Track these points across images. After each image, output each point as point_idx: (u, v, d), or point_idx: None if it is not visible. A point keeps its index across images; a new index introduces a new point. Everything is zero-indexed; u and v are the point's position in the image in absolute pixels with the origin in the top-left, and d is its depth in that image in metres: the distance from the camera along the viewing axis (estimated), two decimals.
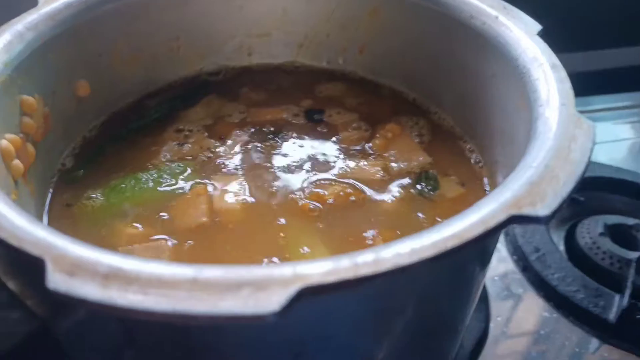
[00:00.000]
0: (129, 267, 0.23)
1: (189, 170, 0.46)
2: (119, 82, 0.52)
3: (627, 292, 0.55)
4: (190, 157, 0.48)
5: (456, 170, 0.47)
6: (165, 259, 0.38)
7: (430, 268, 0.24)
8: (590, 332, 0.54)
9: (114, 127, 0.51)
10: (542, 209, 0.26)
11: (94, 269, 0.23)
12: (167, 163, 0.47)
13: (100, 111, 0.51)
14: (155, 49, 0.53)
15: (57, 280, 0.22)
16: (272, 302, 0.21)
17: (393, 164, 0.47)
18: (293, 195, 0.44)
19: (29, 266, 0.24)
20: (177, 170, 0.46)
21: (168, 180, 0.45)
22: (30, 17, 0.42)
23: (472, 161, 0.49)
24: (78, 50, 0.46)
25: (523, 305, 0.58)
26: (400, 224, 0.41)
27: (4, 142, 0.36)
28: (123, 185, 0.45)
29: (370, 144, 0.49)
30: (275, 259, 0.38)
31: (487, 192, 0.45)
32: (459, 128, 0.51)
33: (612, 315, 0.54)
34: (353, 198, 0.43)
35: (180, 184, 0.45)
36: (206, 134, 0.50)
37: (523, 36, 0.42)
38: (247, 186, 0.45)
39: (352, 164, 0.47)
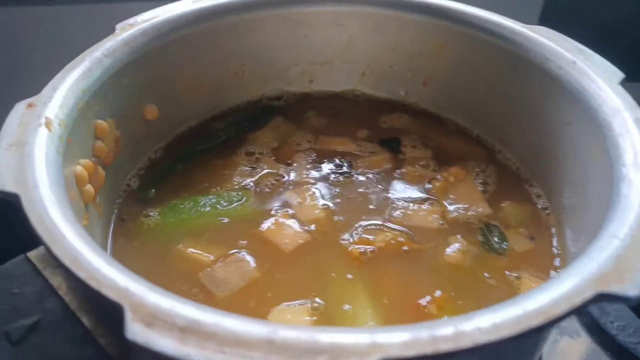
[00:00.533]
0: (207, 320, 0.23)
1: (244, 199, 0.46)
2: (184, 106, 0.53)
3: None
4: (258, 184, 0.48)
5: (521, 218, 0.45)
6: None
7: (510, 344, 0.23)
8: None
9: (182, 148, 0.52)
10: (632, 288, 0.24)
11: (172, 321, 0.23)
12: (227, 190, 0.47)
13: (165, 133, 0.52)
14: (220, 75, 0.54)
15: (135, 331, 0.23)
16: None
17: (451, 210, 0.46)
18: (343, 239, 0.43)
19: (105, 308, 0.24)
20: (235, 198, 0.47)
21: (224, 206, 0.46)
22: (108, 44, 0.44)
23: (539, 207, 0.47)
24: (149, 76, 0.47)
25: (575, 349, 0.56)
26: (461, 281, 0.40)
27: (79, 168, 0.38)
28: (182, 206, 0.46)
29: (430, 185, 0.48)
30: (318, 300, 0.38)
31: (555, 247, 0.43)
32: (526, 170, 0.50)
33: None
34: (406, 248, 0.42)
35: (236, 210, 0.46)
36: (273, 157, 0.51)
37: (604, 85, 0.40)
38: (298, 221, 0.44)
39: (408, 206, 0.46)
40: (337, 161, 0.51)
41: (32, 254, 0.32)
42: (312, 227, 0.44)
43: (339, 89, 0.59)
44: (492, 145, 0.53)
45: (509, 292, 0.40)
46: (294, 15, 0.54)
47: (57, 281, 0.30)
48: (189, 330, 0.23)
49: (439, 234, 0.43)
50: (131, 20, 0.47)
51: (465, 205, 0.46)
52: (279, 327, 0.23)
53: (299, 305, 0.38)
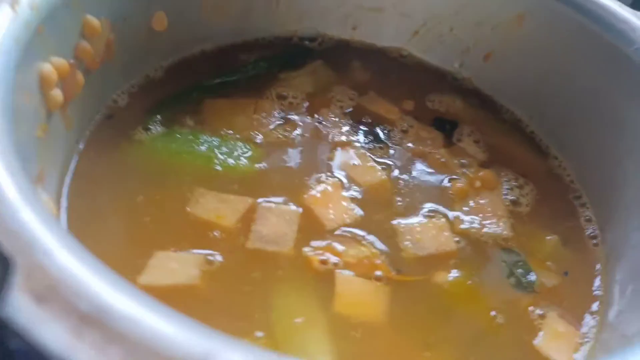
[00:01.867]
0: (119, 313, 0.16)
1: (249, 153, 0.39)
2: (201, 25, 0.45)
3: None
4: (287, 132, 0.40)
5: (554, 247, 0.37)
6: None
7: None
8: None
9: (191, 73, 0.44)
10: None
11: (74, 301, 0.16)
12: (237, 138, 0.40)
13: (172, 51, 0.44)
14: None
15: (19, 304, 0.16)
16: None
17: (465, 221, 0.37)
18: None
19: None
20: (239, 150, 0.39)
21: (223, 156, 0.38)
22: None
23: (587, 234, 0.39)
24: None
25: None
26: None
27: (47, 67, 0.30)
28: (178, 136, 0.39)
29: (450, 184, 0.40)
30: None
31: (596, 288, 0.36)
32: (581, 186, 0.41)
33: None
34: (379, 273, 0.33)
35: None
36: (307, 104, 0.43)
37: None
38: None
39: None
40: (377, 128, 0.43)
41: None
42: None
43: (384, 43, 0.50)
44: (547, 147, 0.44)
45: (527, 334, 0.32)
46: None
47: None
48: (91, 321, 0.16)
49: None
50: None
51: (482, 217, 0.37)
52: (224, 345, 0.16)
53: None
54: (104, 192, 0.35)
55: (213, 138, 0.39)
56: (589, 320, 0.34)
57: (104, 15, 0.36)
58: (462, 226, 0.37)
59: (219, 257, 0.32)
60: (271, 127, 0.41)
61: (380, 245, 0.34)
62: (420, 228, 0.36)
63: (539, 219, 0.39)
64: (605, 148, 0.40)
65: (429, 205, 0.38)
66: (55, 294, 0.16)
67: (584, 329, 0.33)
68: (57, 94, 0.31)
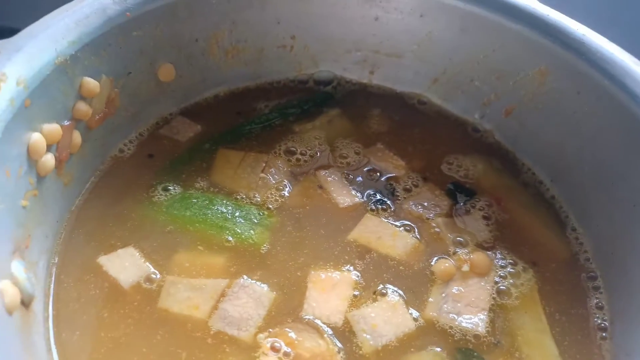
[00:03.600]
0: None
1: (260, 222, 0.38)
2: (213, 70, 0.45)
3: None
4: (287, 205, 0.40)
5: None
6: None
7: None
8: None
9: (207, 120, 0.44)
10: None
11: None
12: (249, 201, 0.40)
13: (183, 98, 0.45)
14: (264, 43, 0.45)
15: None
16: None
17: (435, 307, 0.35)
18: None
19: None
20: (254, 219, 0.38)
21: (239, 226, 0.38)
22: None
23: (596, 323, 0.35)
24: (171, 31, 0.40)
25: None
26: None
27: (35, 136, 0.31)
28: (195, 201, 0.39)
29: (435, 262, 0.37)
30: None
31: None
32: (596, 265, 0.38)
33: None
34: None
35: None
36: (317, 164, 0.42)
37: None
38: None
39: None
40: (382, 187, 0.42)
41: None
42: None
43: (403, 89, 0.48)
44: (566, 218, 0.40)
45: None
46: None
47: None
48: None
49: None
50: None
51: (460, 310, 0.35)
52: None
53: None
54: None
55: (227, 202, 0.39)
56: None
57: (104, 73, 0.37)
58: (433, 313, 0.35)
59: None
60: (284, 192, 0.40)
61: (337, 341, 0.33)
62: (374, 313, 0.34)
63: (562, 290, 0.36)
64: (628, 224, 0.36)
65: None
66: None
67: None
68: (48, 159, 0.33)
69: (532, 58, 0.40)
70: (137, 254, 0.36)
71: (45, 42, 0.32)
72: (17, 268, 0.29)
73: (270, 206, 0.39)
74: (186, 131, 0.44)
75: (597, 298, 0.36)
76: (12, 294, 0.28)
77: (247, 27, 0.44)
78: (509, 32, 0.40)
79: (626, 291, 0.35)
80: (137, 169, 0.41)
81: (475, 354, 0.32)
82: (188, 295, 0.34)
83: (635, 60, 0.35)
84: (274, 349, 0.32)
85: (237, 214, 0.39)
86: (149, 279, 0.35)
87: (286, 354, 0.32)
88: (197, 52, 0.43)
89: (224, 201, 0.39)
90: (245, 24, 0.43)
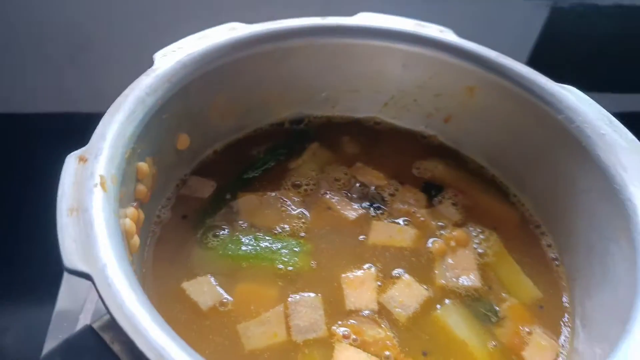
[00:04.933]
0: None
1: (299, 248, 0.47)
2: (211, 131, 0.52)
3: None
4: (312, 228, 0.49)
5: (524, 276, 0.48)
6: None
7: None
8: None
9: (213, 173, 0.52)
10: None
11: None
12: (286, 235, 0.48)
13: (192, 159, 0.52)
14: (250, 100, 0.54)
15: None
16: None
17: (441, 276, 0.47)
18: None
19: None
20: (295, 248, 0.47)
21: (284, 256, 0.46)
22: (149, 81, 0.43)
23: (550, 257, 0.50)
24: (185, 107, 0.47)
25: None
26: None
27: (127, 222, 0.37)
28: (243, 239, 0.47)
29: (431, 244, 0.49)
30: None
31: (565, 304, 0.47)
32: (538, 217, 0.52)
33: None
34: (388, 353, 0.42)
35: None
36: (322, 191, 0.52)
37: (629, 164, 0.42)
38: None
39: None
40: (373, 196, 0.53)
41: (97, 325, 0.32)
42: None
43: (359, 115, 0.60)
44: (507, 188, 0.55)
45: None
46: (330, 47, 0.53)
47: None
48: None
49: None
50: (169, 49, 0.46)
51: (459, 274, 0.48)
52: None
53: None
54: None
55: (267, 237, 0.47)
56: (564, 332, 0.45)
57: (147, 155, 0.43)
58: (442, 281, 0.47)
59: None
60: (305, 219, 0.50)
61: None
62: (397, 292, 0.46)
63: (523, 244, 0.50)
64: (553, 187, 0.51)
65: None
66: None
67: (562, 340, 0.44)
68: (135, 239, 0.39)
69: (461, 79, 0.54)
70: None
71: (114, 139, 0.38)
72: None
73: (302, 234, 0.48)
74: (203, 188, 0.51)
75: (545, 239, 0.51)
76: None
77: (237, 91, 0.52)
78: (441, 63, 0.54)
79: (565, 230, 0.50)
80: (179, 228, 0.47)
81: (478, 297, 0.46)
82: (262, 330, 0.42)
83: (534, 71, 0.50)
84: (345, 336, 0.42)
85: (279, 245, 0.47)
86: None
87: (354, 340, 0.42)
88: (201, 119, 0.50)
89: (265, 237, 0.47)
90: (236, 89, 0.51)
